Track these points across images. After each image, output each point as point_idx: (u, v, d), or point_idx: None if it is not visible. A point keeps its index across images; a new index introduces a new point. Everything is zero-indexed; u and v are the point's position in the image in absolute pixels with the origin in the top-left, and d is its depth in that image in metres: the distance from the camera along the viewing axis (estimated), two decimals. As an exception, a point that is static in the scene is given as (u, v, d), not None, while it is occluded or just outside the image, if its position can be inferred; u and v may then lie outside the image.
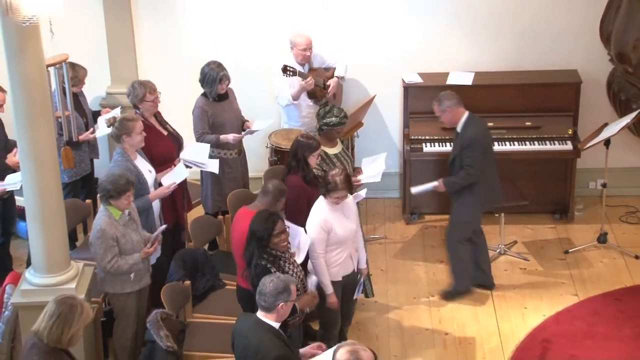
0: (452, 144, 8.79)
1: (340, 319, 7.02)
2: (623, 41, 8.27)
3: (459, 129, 7.75)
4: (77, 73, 8.20)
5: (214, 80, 7.97)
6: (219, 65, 8.01)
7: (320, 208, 6.77)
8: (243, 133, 8.15)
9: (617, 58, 8.42)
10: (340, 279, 6.85)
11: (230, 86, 8.19)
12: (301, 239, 6.60)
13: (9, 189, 7.47)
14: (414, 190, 7.99)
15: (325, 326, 7.01)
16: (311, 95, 8.62)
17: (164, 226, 7.05)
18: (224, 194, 8.14)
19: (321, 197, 6.80)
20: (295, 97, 8.56)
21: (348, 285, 6.96)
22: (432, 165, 8.83)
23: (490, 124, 8.86)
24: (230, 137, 8.05)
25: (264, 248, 6.23)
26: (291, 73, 8.37)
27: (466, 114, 7.72)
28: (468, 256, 7.99)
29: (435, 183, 7.85)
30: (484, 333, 7.62)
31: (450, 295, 8.08)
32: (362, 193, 7.39)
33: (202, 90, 8.12)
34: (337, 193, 6.66)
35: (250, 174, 8.61)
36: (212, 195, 8.27)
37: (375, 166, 7.80)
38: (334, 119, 7.56)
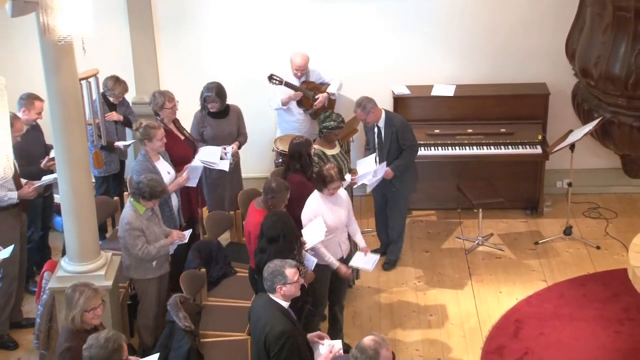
0: (435, 147, 8.85)
1: (329, 300, 6.99)
2: (586, 58, 8.26)
3: (381, 124, 7.88)
4: (114, 89, 8.21)
5: (201, 97, 8.01)
6: (211, 89, 7.91)
7: (313, 201, 6.77)
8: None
9: (580, 73, 8.41)
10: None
11: (238, 104, 8.16)
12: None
13: (45, 183, 7.44)
14: (369, 187, 7.91)
15: (314, 304, 6.88)
16: (299, 104, 8.63)
17: (190, 230, 7.06)
18: (212, 195, 8.17)
19: (315, 192, 6.79)
20: (284, 103, 8.56)
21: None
22: (418, 167, 8.78)
23: (469, 130, 8.91)
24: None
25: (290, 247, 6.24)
26: (276, 82, 8.40)
27: (384, 111, 7.92)
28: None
29: (379, 177, 7.81)
30: (464, 314, 7.62)
31: (393, 265, 8.27)
32: (347, 177, 7.50)
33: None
34: (334, 184, 6.68)
35: (258, 174, 8.65)
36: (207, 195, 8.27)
37: (366, 165, 7.86)
38: (332, 122, 7.59)
